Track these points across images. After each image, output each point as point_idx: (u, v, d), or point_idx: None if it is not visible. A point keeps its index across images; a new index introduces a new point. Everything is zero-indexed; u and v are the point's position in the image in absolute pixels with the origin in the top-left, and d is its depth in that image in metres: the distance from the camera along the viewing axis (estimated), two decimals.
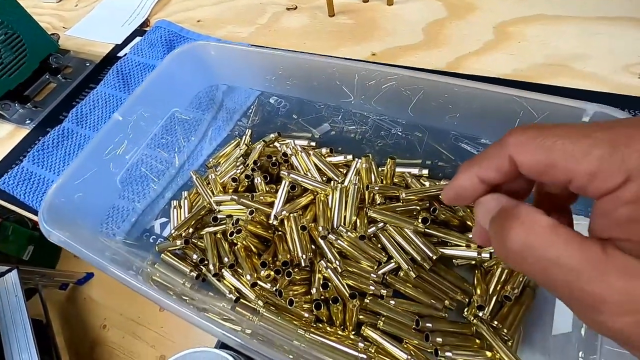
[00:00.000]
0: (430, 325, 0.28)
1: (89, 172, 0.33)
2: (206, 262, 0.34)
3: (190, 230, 0.38)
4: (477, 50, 0.49)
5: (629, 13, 0.46)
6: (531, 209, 0.15)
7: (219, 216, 0.37)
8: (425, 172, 0.36)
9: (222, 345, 0.39)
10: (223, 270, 0.34)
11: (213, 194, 0.39)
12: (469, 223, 0.32)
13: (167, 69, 0.36)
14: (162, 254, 0.36)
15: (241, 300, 0.33)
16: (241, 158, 0.41)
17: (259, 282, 0.32)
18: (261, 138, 0.43)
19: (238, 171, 0.39)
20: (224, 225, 0.36)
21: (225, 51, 0.37)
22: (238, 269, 0.34)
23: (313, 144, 0.40)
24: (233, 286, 0.33)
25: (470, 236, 0.31)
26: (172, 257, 0.36)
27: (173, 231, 0.37)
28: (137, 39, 0.63)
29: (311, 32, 0.57)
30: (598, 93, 0.41)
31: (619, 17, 0.47)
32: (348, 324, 0.30)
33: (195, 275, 0.34)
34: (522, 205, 0.16)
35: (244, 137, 0.43)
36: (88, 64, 0.62)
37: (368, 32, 0.55)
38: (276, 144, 0.42)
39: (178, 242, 0.35)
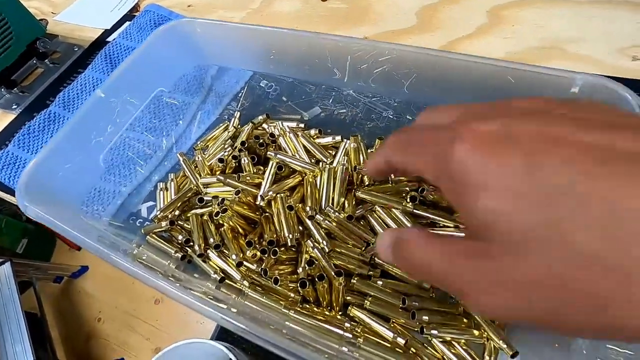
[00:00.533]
0: (417, 304, 0.27)
1: (70, 149, 0.32)
2: (191, 243, 0.33)
3: (177, 212, 0.37)
4: (470, 34, 0.48)
5: None
6: (409, 230, 0.18)
7: (205, 198, 0.36)
8: None
9: (217, 337, 0.38)
10: (208, 251, 0.33)
11: (200, 176, 0.38)
12: None
13: (152, 47, 0.35)
14: (147, 236, 0.35)
15: (226, 281, 0.32)
16: (229, 140, 0.40)
17: (244, 262, 0.32)
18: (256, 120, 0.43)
19: (226, 153, 0.38)
20: (210, 207, 0.35)
21: (212, 28, 0.36)
22: (224, 250, 0.33)
23: (302, 125, 0.39)
24: (218, 267, 0.32)
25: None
26: (158, 239, 0.35)
27: (159, 213, 0.36)
28: (127, 23, 0.62)
29: (303, 17, 0.56)
30: (592, 75, 0.40)
31: (615, 0, 0.46)
32: (335, 304, 0.30)
33: (180, 256, 0.33)
34: (404, 230, 0.18)
35: (233, 119, 0.42)
36: (76, 49, 0.61)
37: (361, 16, 0.54)
38: (264, 125, 0.41)
39: (163, 224, 0.35)
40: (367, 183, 0.34)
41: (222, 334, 0.39)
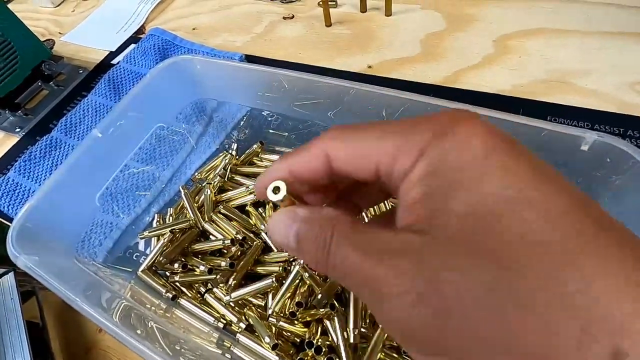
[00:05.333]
0: None
1: (67, 189, 0.31)
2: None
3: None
4: (476, 64, 0.47)
5: (634, 28, 0.45)
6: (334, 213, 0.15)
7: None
8: None
9: None
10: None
11: (201, 212, 0.38)
12: None
13: (151, 83, 0.35)
14: (139, 272, 0.35)
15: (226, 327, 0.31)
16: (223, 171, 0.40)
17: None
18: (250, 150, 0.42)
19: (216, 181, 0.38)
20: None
21: (211, 66, 0.36)
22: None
23: None
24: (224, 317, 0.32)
25: None
26: (151, 275, 0.35)
27: (162, 258, 0.35)
28: (132, 46, 0.62)
29: (307, 43, 0.56)
30: (602, 112, 0.39)
31: (624, 32, 0.45)
32: None
33: (170, 296, 0.33)
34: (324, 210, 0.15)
35: (231, 150, 0.42)
36: (81, 71, 0.61)
37: (365, 43, 0.53)
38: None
39: (176, 265, 0.34)
40: None
41: None
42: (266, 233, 0.35)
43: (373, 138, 0.15)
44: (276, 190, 0.16)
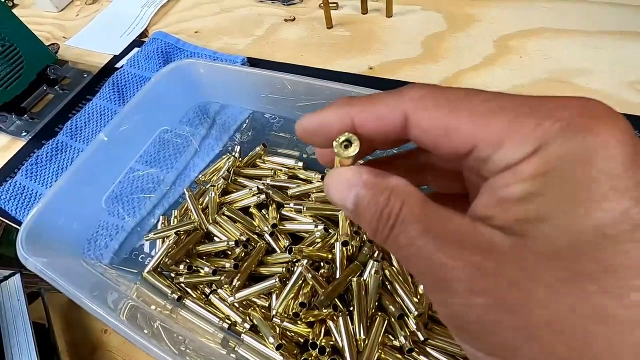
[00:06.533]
0: None
1: (74, 193, 0.32)
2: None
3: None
4: (476, 64, 0.47)
5: (634, 27, 0.45)
6: (408, 186, 0.13)
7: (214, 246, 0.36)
8: None
9: None
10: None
11: (205, 214, 0.38)
12: None
13: (155, 87, 0.35)
14: (145, 273, 0.35)
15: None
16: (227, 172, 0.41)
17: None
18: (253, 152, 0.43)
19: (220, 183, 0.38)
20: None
21: (214, 69, 0.36)
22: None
23: (300, 164, 0.39)
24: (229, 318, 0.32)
25: None
26: (156, 276, 0.35)
27: (167, 260, 0.35)
28: (135, 49, 0.63)
29: (308, 45, 0.56)
30: None
31: (625, 31, 0.45)
32: None
33: (176, 297, 0.33)
34: (393, 178, 0.14)
35: (234, 152, 0.42)
36: (85, 75, 0.61)
37: (366, 44, 0.54)
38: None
39: (181, 267, 0.35)
40: None
41: None
42: (271, 231, 0.35)
43: (475, 111, 0.12)
44: (346, 144, 0.14)
